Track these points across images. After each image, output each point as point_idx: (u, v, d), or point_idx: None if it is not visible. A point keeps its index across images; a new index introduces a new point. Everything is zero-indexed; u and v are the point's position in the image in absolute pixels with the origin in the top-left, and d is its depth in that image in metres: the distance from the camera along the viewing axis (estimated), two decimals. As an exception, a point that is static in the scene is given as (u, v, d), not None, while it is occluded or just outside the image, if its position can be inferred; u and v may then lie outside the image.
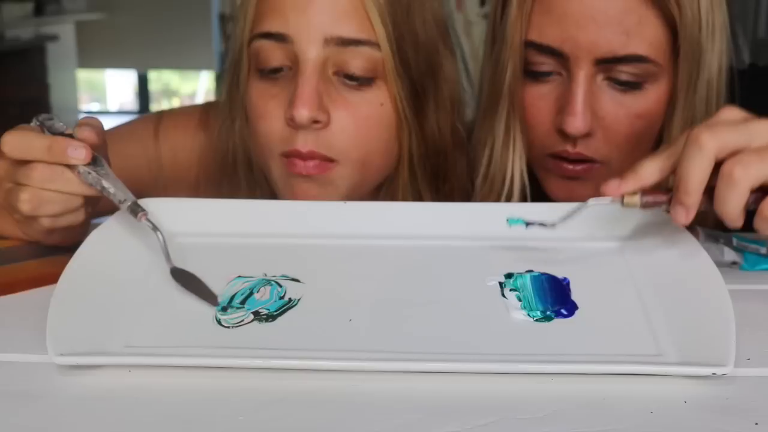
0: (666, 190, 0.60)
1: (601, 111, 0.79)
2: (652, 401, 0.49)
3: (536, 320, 0.58)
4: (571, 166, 0.82)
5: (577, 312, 0.59)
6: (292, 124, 0.77)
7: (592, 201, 0.61)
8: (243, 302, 0.60)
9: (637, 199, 0.60)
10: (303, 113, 0.75)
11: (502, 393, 0.50)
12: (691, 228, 0.64)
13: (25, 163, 0.64)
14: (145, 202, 0.69)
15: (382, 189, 0.85)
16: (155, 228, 0.63)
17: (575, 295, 0.61)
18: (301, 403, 0.49)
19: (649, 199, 0.60)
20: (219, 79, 4.98)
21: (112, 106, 5.99)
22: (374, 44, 0.77)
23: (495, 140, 0.85)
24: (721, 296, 0.57)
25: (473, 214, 0.70)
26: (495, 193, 0.85)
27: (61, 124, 0.67)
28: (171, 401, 0.50)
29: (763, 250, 0.71)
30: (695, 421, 0.48)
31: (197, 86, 5.81)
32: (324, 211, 0.71)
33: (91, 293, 0.59)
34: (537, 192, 0.86)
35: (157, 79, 5.83)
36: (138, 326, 0.57)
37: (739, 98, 0.84)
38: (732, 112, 0.60)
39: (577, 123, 0.78)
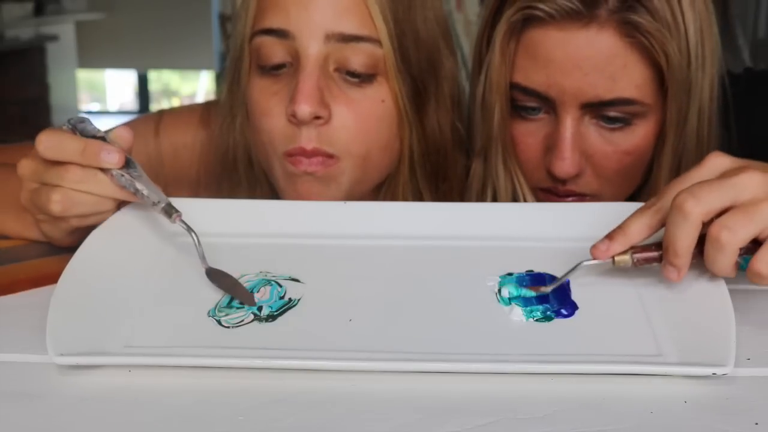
0: (656, 245, 0.59)
1: (589, 149, 0.79)
2: (652, 401, 0.49)
3: (536, 320, 0.58)
4: (560, 199, 0.82)
5: (577, 312, 0.59)
6: (294, 120, 0.77)
7: (584, 263, 0.60)
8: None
9: (628, 258, 0.59)
10: (304, 109, 0.75)
11: (502, 393, 0.50)
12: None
13: (56, 164, 0.64)
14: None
15: (382, 188, 0.86)
16: (190, 229, 0.63)
17: (575, 295, 0.61)
18: (301, 403, 0.49)
19: (641, 257, 0.59)
20: (219, 79, 4.98)
21: (112, 106, 6.00)
22: (375, 41, 0.77)
23: (497, 178, 0.84)
24: (721, 296, 0.57)
25: (473, 213, 0.70)
26: None
27: (93, 126, 0.67)
28: (171, 401, 0.49)
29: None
30: (695, 421, 0.48)
31: (197, 86, 5.81)
32: (324, 211, 0.71)
33: (91, 293, 0.59)
34: None
35: (157, 79, 5.84)
36: (138, 326, 0.57)
37: (733, 105, 0.84)
38: (718, 162, 0.58)
39: (565, 167, 0.78)
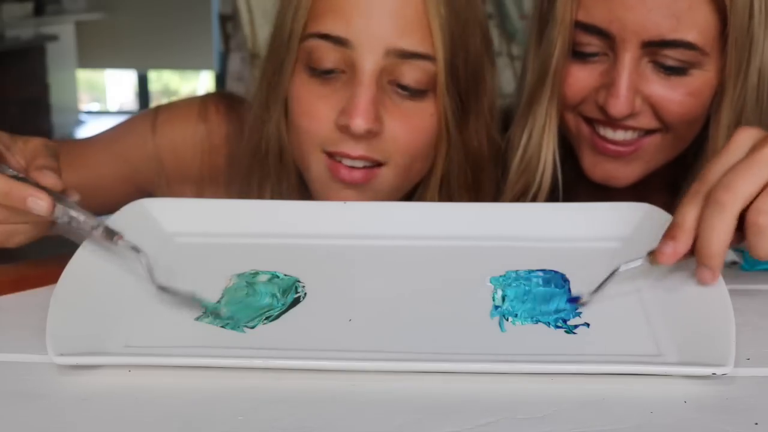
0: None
1: (646, 91, 0.79)
2: (652, 401, 0.49)
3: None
4: (613, 147, 0.82)
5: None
6: (347, 132, 0.76)
7: (622, 267, 0.59)
8: (243, 302, 0.60)
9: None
10: (360, 124, 0.75)
11: (502, 393, 0.50)
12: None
13: None
14: (147, 203, 0.69)
15: (412, 198, 0.85)
16: (135, 248, 0.61)
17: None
18: (301, 403, 0.49)
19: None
20: (219, 79, 4.99)
21: (112, 106, 6.00)
22: (431, 58, 0.77)
23: (534, 125, 0.84)
24: (721, 296, 0.57)
25: (474, 214, 0.70)
26: (528, 175, 0.85)
27: (11, 170, 0.64)
28: (171, 401, 0.50)
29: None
30: (695, 421, 0.48)
31: (197, 86, 5.81)
32: (325, 211, 0.71)
33: (91, 293, 0.59)
34: (567, 174, 0.86)
35: (157, 79, 5.84)
36: (138, 326, 0.57)
37: None
38: (746, 135, 0.58)
39: (619, 106, 0.78)
